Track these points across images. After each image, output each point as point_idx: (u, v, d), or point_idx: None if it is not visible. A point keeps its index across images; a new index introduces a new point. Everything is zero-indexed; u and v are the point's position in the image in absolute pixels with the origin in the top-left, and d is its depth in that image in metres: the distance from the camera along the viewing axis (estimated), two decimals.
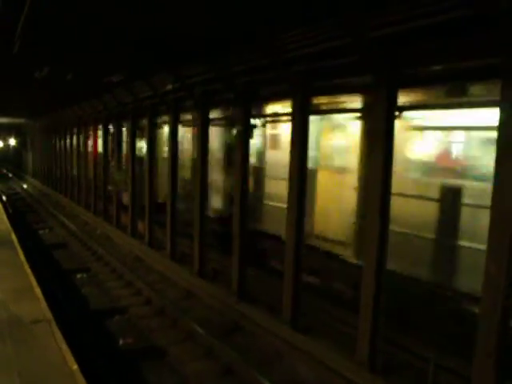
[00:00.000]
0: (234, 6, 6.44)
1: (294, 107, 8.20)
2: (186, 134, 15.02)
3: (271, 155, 12.20)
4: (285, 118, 10.20)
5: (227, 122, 13.27)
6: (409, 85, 7.09)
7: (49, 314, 6.92)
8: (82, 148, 23.47)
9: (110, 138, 19.35)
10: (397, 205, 7.11)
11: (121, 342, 8.55)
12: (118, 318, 9.70)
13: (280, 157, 10.86)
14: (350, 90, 8.64)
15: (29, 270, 9.18)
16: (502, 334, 5.16)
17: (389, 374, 6.92)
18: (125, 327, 9.27)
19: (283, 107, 10.05)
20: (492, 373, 5.21)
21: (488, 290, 5.26)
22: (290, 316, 8.26)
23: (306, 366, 7.49)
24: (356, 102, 9.11)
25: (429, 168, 8.52)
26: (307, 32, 6.99)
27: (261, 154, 12.50)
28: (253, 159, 11.31)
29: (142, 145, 16.72)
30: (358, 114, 9.14)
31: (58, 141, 29.04)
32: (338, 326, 8.59)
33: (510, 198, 4.99)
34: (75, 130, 24.36)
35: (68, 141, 26.32)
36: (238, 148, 9.78)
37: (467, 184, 7.74)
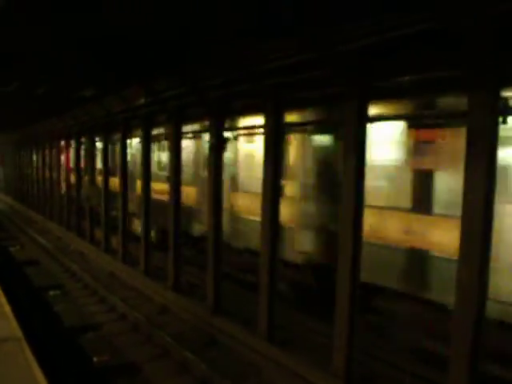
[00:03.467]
0: (206, 20, 6.47)
1: (266, 120, 8.23)
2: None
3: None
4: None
5: None
6: (379, 97, 7.20)
7: (19, 333, 6.76)
8: (54, 163, 23.20)
9: (82, 152, 19.17)
10: None
11: (95, 359, 8.42)
12: (92, 335, 9.56)
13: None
14: (322, 102, 8.73)
15: None
16: (475, 340, 5.21)
17: None
18: (99, 344, 9.14)
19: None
20: (467, 377, 5.25)
21: (461, 297, 5.31)
22: (266, 329, 8.23)
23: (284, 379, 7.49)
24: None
25: None
26: (279, 45, 7.05)
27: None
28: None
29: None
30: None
31: (29, 156, 28.64)
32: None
33: (479, 203, 5.07)
34: (47, 145, 24.07)
35: (40, 156, 25.99)
36: (210, 161, 9.78)
37: None
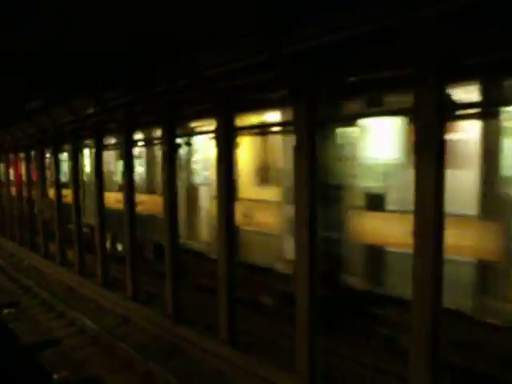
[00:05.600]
0: (153, 25, 6.43)
1: (217, 124, 8.25)
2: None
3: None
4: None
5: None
6: (327, 97, 7.31)
7: None
8: (2, 177, 22.56)
9: (32, 165, 18.76)
10: None
11: (55, 376, 8.25)
12: (51, 351, 9.36)
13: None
14: (271, 105, 8.80)
15: None
16: (434, 337, 5.36)
17: None
18: (59, 360, 8.96)
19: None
20: (428, 365, 5.39)
21: (417, 294, 5.45)
22: (228, 334, 8.24)
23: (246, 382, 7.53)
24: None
25: None
26: (226, 50, 7.09)
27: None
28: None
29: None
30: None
31: None
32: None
33: (430, 201, 5.21)
34: None
35: None
36: (163, 167, 9.73)
37: None
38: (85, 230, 15.13)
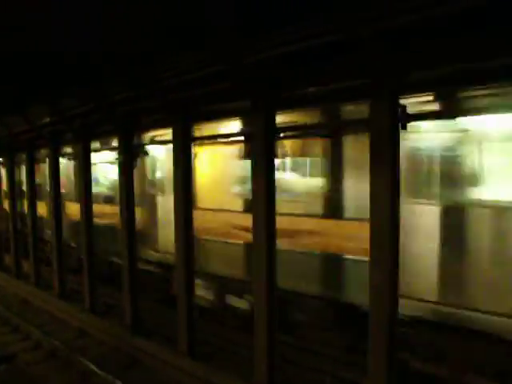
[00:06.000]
0: (111, 32, 6.38)
1: (174, 134, 8.23)
2: None
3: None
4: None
5: None
6: (286, 107, 7.38)
7: None
8: None
9: None
10: None
11: None
12: (6, 367, 9.13)
13: None
14: (230, 114, 8.83)
15: None
16: (391, 341, 5.47)
17: None
18: (13, 376, 8.75)
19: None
20: (385, 369, 5.49)
21: (375, 300, 5.55)
22: (187, 345, 8.19)
23: None
24: None
25: None
26: (182, 60, 7.08)
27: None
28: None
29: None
30: None
31: None
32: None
33: (384, 208, 5.33)
34: None
35: None
36: (120, 178, 9.65)
37: None
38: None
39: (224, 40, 6.39)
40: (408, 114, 5.51)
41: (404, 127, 5.47)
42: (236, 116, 9.05)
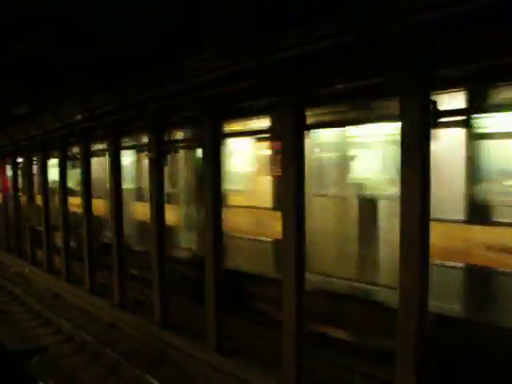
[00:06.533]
0: (135, 32, 6.47)
1: (204, 131, 8.29)
2: None
3: None
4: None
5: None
6: (314, 104, 7.36)
7: None
8: None
9: (19, 171, 18.68)
10: None
11: (41, 383, 8.20)
12: (38, 359, 9.29)
13: None
14: (259, 111, 8.86)
15: None
16: (419, 345, 5.39)
17: None
18: (45, 368, 8.91)
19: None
20: (413, 369, 5.41)
21: (403, 300, 5.49)
22: (215, 340, 8.25)
23: None
24: None
25: None
26: (211, 57, 7.13)
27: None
28: None
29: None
30: None
31: None
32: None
33: (416, 205, 5.26)
34: None
35: None
36: (151, 176, 9.75)
37: None
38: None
39: (250, 37, 6.41)
40: (439, 110, 5.44)
41: (435, 124, 5.42)
42: (265, 113, 9.08)
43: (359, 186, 8.49)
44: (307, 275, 7.01)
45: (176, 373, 8.37)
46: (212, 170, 8.13)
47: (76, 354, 9.60)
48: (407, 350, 5.48)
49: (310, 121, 6.87)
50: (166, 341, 9.24)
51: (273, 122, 9.24)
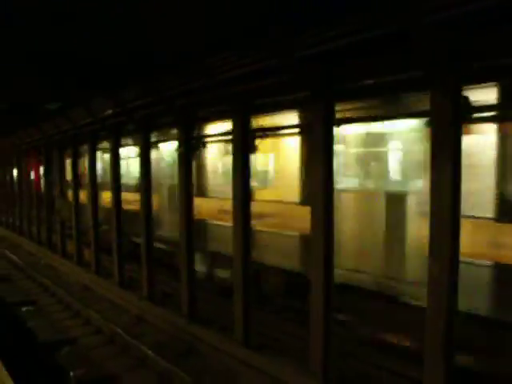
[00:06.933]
0: (167, 29, 6.50)
1: (234, 126, 8.30)
2: None
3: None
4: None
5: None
6: (344, 99, 7.31)
7: None
8: (22, 178, 22.83)
9: (51, 166, 18.97)
10: None
11: (71, 373, 8.34)
12: (68, 350, 9.46)
13: None
14: (289, 106, 8.83)
15: None
16: (448, 334, 5.33)
17: None
18: (75, 358, 9.05)
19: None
20: (442, 366, 5.36)
21: (433, 291, 5.43)
22: (242, 334, 8.28)
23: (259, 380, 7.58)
24: None
25: None
26: (240, 53, 7.14)
27: None
28: None
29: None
30: None
31: None
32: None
33: (447, 198, 5.20)
34: (14, 160, 23.70)
35: (7, 171, 25.58)
36: (180, 169, 9.80)
37: None
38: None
39: (277, 33, 6.38)
40: (471, 105, 5.36)
41: (466, 119, 5.33)
42: (293, 108, 9.06)
43: None
44: None
45: (203, 366, 8.41)
46: (241, 166, 8.14)
47: (105, 345, 9.71)
48: (436, 347, 5.41)
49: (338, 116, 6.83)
50: (194, 334, 9.29)
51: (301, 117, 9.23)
